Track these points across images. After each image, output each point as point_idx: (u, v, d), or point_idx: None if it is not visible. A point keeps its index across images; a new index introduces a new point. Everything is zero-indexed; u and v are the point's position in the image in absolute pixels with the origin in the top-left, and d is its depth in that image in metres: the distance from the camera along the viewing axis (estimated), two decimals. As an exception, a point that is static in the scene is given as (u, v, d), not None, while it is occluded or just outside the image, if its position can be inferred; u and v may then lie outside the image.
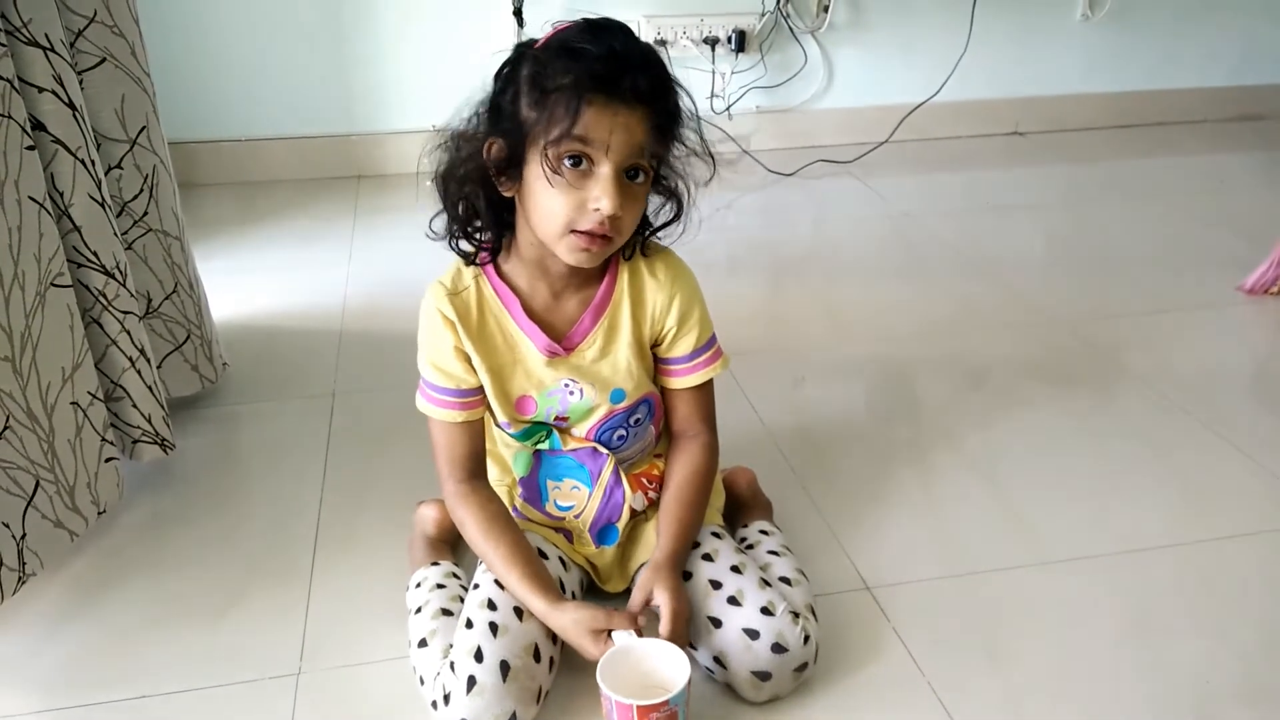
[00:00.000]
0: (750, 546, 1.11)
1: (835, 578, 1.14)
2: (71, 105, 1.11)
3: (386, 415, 1.47)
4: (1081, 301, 1.85)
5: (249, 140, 2.50)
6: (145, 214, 1.31)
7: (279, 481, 1.35)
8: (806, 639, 0.96)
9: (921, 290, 1.92)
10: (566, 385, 1.02)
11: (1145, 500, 1.28)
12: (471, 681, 0.90)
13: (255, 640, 1.07)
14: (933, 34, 2.68)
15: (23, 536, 1.07)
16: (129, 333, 1.22)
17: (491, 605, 0.95)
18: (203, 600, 1.13)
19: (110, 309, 1.19)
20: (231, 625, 1.09)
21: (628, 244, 1.00)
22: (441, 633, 0.99)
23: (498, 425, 1.05)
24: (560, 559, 1.05)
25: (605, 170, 0.88)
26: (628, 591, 1.00)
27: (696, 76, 2.56)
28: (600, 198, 0.88)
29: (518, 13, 2.39)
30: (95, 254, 1.16)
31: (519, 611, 0.95)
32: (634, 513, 1.07)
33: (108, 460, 1.19)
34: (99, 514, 1.19)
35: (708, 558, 1.01)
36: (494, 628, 0.93)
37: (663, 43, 2.54)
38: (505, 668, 0.90)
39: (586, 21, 0.90)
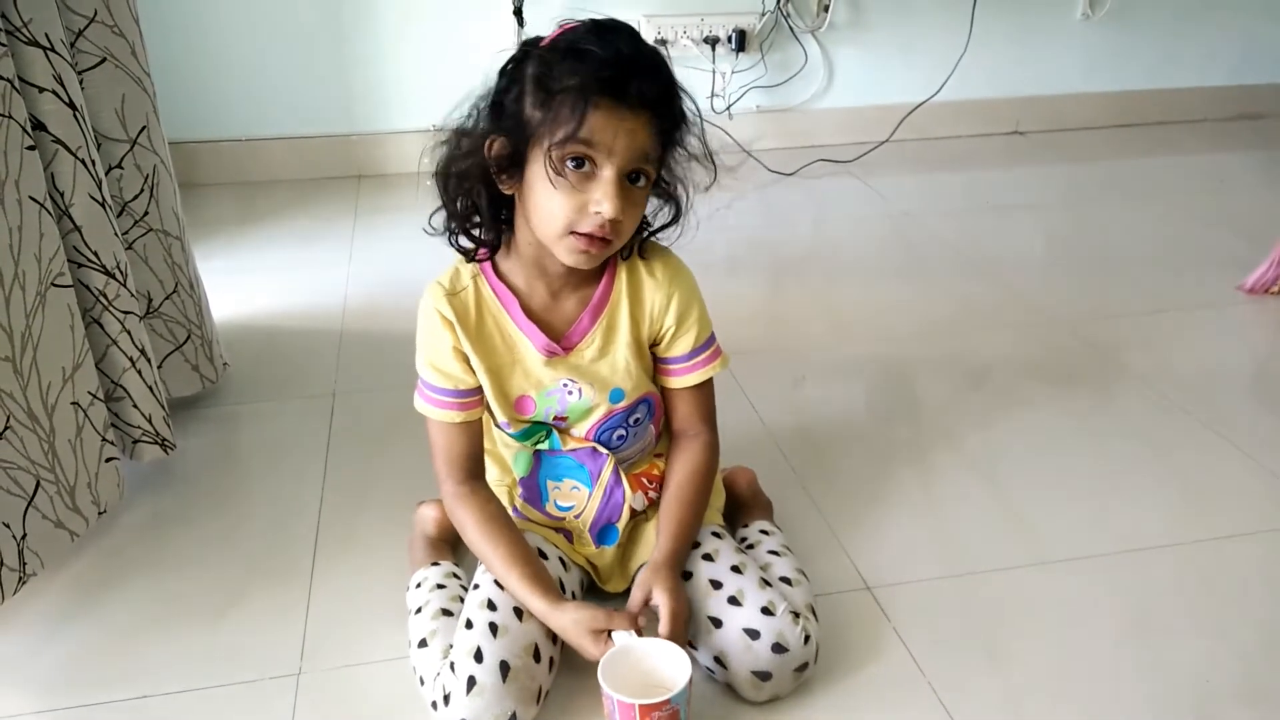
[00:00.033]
0: (750, 546, 1.11)
1: (835, 578, 1.14)
2: (72, 105, 1.11)
3: (387, 415, 1.47)
4: (1081, 301, 1.85)
5: (249, 140, 2.50)
6: (146, 214, 1.31)
7: (279, 481, 1.35)
8: (807, 639, 0.96)
9: (921, 290, 1.92)
10: (565, 385, 1.02)
11: (1145, 500, 1.28)
12: (471, 682, 0.90)
13: (255, 640, 1.07)
14: (933, 33, 2.68)
15: (23, 536, 1.07)
16: (129, 333, 1.22)
17: (491, 606, 0.95)
18: (203, 600, 1.13)
19: (111, 309, 1.19)
20: (232, 625, 1.10)
21: (626, 244, 1.00)
22: (442, 633, 0.99)
23: (497, 425, 1.06)
24: (560, 559, 1.05)
25: (608, 174, 0.88)
26: (629, 591, 1.00)
27: (697, 76, 2.56)
28: (602, 201, 0.88)
29: (518, 12, 2.39)
30: (96, 254, 1.16)
31: (519, 612, 0.95)
32: (634, 513, 1.07)
33: (108, 460, 1.19)
34: (99, 514, 1.19)
35: (708, 558, 1.01)
36: (494, 628, 0.93)
37: (663, 42, 2.54)
38: (505, 668, 0.91)
39: (594, 22, 0.90)
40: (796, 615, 0.97)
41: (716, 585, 0.98)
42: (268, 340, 1.73)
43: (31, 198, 1.05)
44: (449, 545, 1.16)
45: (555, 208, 0.89)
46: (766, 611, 0.95)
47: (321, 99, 2.49)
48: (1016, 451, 1.38)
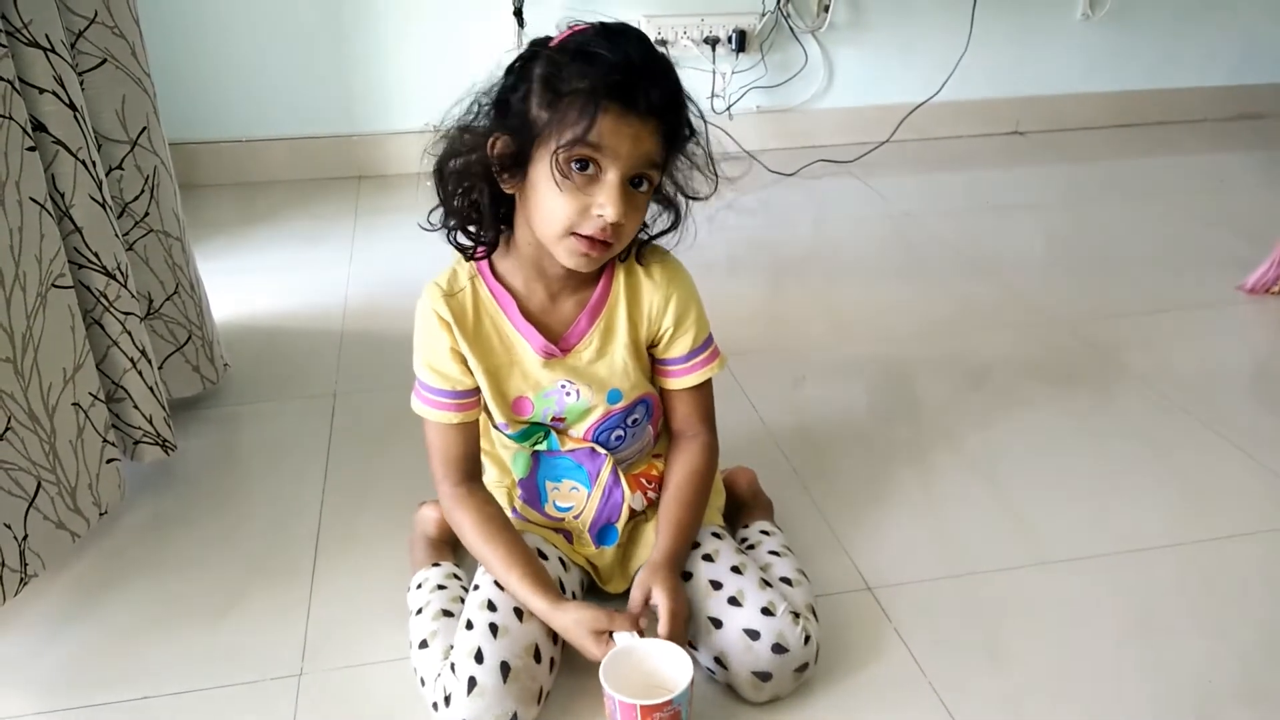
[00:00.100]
0: (751, 547, 1.11)
1: (836, 578, 1.14)
2: (72, 106, 1.11)
3: (387, 415, 1.47)
4: (1081, 301, 1.85)
5: (249, 140, 2.50)
6: (146, 215, 1.31)
7: (280, 482, 1.35)
8: (807, 639, 0.96)
9: (921, 290, 1.92)
10: (563, 386, 1.02)
11: (1145, 500, 1.28)
12: (472, 682, 0.90)
13: (256, 641, 1.07)
14: (933, 34, 2.68)
15: (24, 537, 1.07)
16: (130, 334, 1.22)
17: (491, 606, 0.95)
18: (204, 601, 1.13)
19: (111, 310, 1.19)
20: (232, 626, 1.10)
21: (625, 247, 1.00)
22: (442, 634, 0.99)
23: (495, 427, 1.06)
24: (560, 560, 1.05)
25: (612, 177, 0.88)
26: (629, 592, 1.00)
27: (697, 76, 2.56)
28: (605, 204, 0.88)
29: (518, 13, 2.39)
30: (96, 255, 1.16)
31: (519, 612, 0.95)
32: (633, 513, 1.07)
33: (109, 461, 1.19)
34: (100, 515, 1.19)
35: (708, 558, 1.02)
36: (494, 629, 0.93)
37: (663, 42, 2.54)
38: (506, 669, 0.91)
39: (603, 26, 0.90)
40: (797, 616, 0.97)
41: (717, 586, 0.98)
42: (268, 341, 1.73)
43: (32, 199, 1.05)
44: (450, 546, 1.16)
45: (557, 208, 0.89)
46: (767, 612, 0.95)
47: (321, 99, 2.49)
48: (1017, 451, 1.38)
